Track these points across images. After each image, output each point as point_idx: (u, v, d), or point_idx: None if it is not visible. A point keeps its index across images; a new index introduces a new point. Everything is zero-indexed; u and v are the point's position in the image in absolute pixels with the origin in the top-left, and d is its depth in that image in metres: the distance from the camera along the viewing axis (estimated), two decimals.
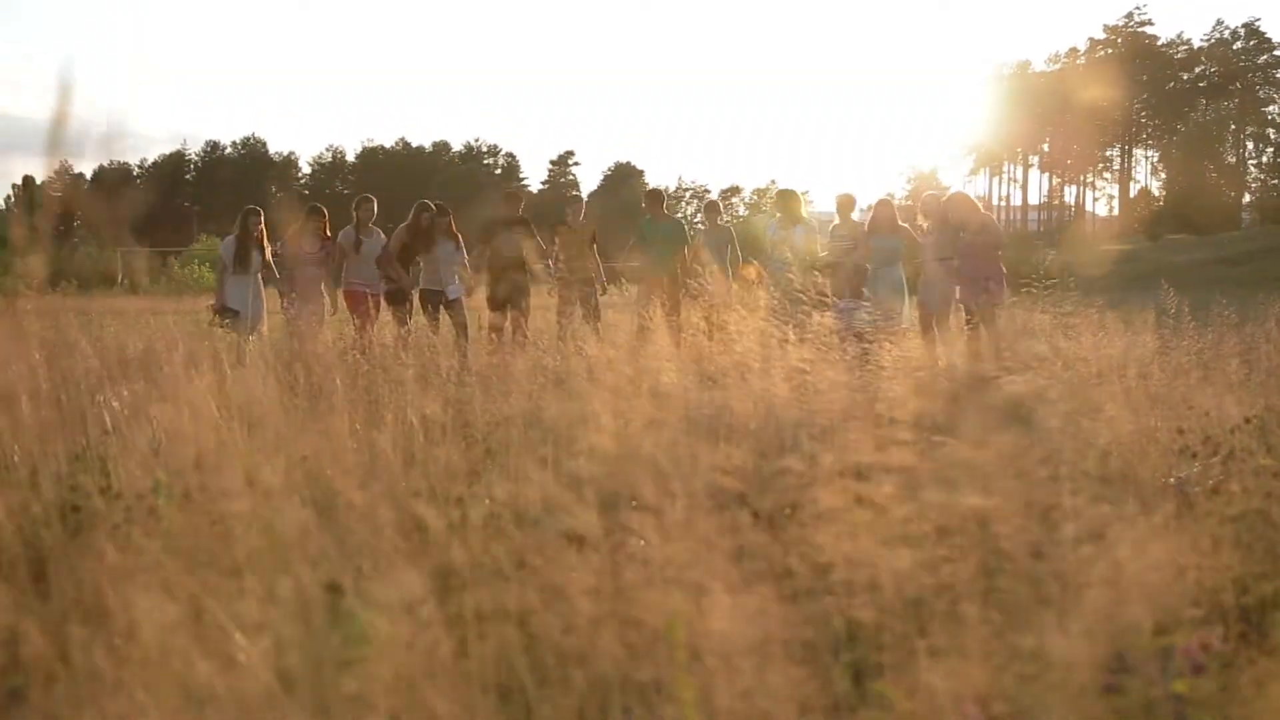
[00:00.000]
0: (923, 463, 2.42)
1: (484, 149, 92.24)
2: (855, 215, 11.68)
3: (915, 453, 2.40)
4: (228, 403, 3.63)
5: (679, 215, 54.87)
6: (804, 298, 6.04)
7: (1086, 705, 2.03)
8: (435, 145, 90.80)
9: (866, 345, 5.81)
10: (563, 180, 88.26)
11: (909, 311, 10.41)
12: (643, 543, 2.33)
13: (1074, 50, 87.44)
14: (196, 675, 1.99)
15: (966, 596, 2.23)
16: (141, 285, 32.47)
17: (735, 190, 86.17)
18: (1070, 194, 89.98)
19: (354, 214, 10.54)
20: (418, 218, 10.58)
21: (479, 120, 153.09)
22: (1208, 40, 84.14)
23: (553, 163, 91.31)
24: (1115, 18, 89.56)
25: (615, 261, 12.74)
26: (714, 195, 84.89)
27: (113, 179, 73.53)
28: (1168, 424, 4.29)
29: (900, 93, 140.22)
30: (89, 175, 72.14)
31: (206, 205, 77.80)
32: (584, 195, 10.60)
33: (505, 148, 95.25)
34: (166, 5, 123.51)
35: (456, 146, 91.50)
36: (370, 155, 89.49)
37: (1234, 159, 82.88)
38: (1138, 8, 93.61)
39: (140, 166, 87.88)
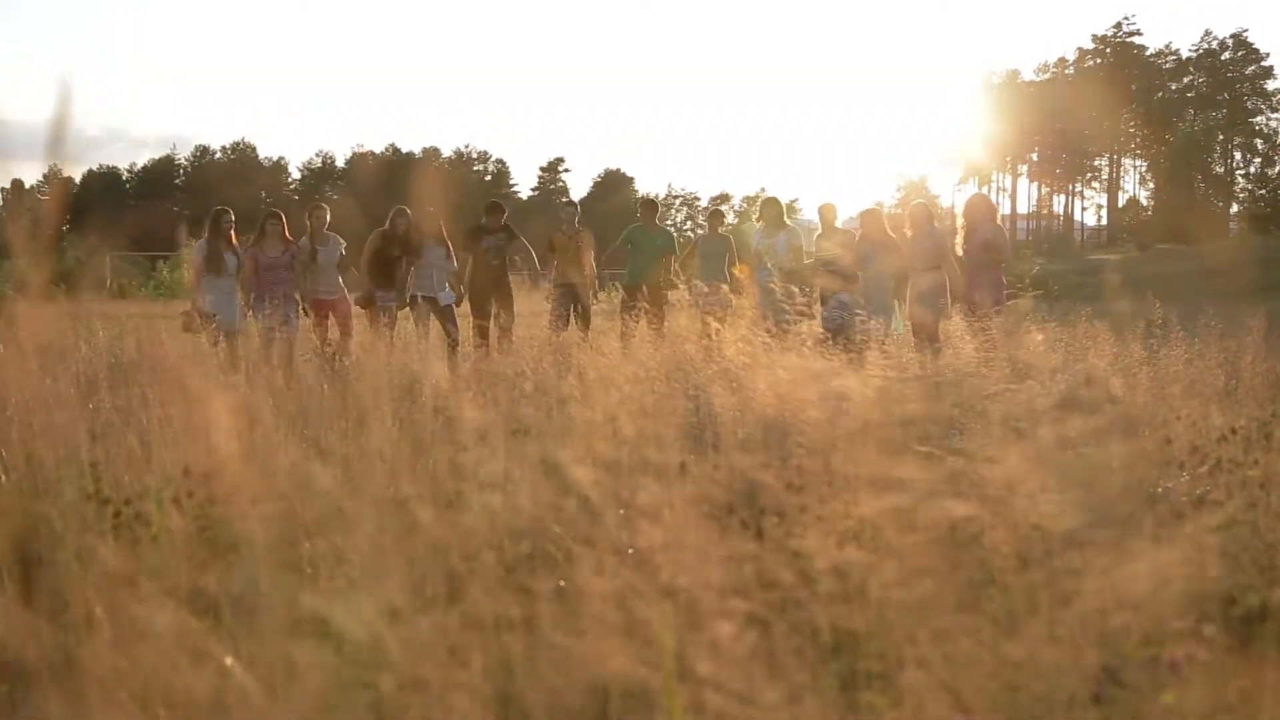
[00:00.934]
0: (914, 473, 2.43)
1: (474, 155, 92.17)
2: (838, 224, 11.70)
3: (906, 463, 2.41)
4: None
5: (669, 223, 54.93)
6: (786, 306, 6.06)
7: (1074, 715, 2.04)
8: (425, 151, 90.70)
9: (853, 352, 5.82)
10: (553, 187, 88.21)
11: (899, 321, 10.42)
12: (631, 551, 2.33)
13: (1063, 60, 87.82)
14: (187, 682, 1.99)
15: (955, 606, 2.23)
16: (130, 290, 32.27)
17: (725, 198, 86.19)
18: (1059, 203, 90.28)
19: (306, 222, 10.44)
20: (393, 223, 10.59)
21: (469, 126, 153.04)
22: (1196, 51, 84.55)
23: (543, 169, 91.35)
24: (1104, 28, 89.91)
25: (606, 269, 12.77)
26: (704, 203, 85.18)
27: (102, 183, 73.24)
28: (1155, 434, 4.30)
29: (890, 101, 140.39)
30: (78, 180, 71.94)
31: (196, 210, 77.54)
32: (575, 201, 10.59)
33: (495, 154, 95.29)
34: (156, 9, 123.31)
35: (446, 152, 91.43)
36: (360, 160, 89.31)
37: (1222, 169, 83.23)
38: (1127, 18, 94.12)
39: (130, 171, 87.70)
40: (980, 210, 10.44)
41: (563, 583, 2.39)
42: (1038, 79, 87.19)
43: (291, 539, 2.37)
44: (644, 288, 10.93)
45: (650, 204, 12.37)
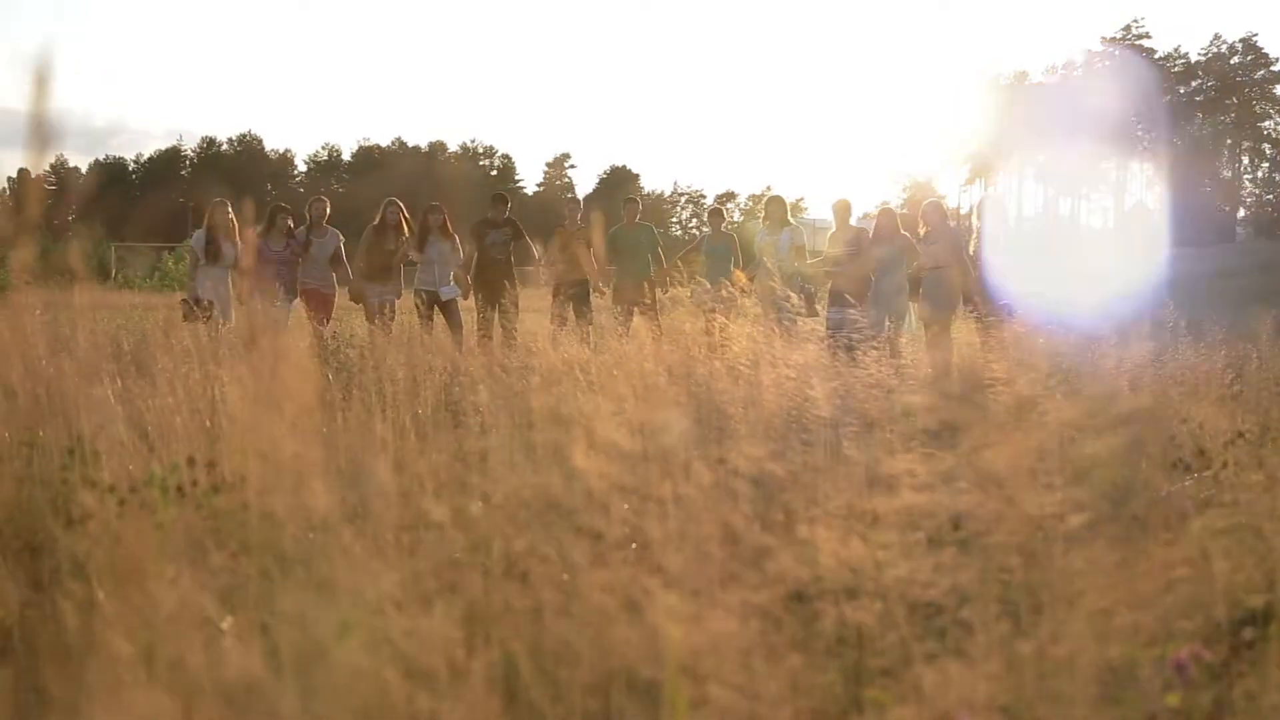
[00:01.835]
0: (917, 467, 2.42)
1: (480, 149, 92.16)
2: (852, 221, 11.66)
3: (907, 458, 2.40)
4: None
5: (673, 220, 54.88)
6: (788, 305, 6.05)
7: (1079, 715, 2.04)
8: (431, 145, 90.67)
9: (855, 355, 5.81)
10: (558, 183, 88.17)
11: (913, 319, 10.39)
12: (635, 545, 2.33)
13: (1071, 63, 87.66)
14: (188, 666, 1.99)
15: (962, 603, 2.23)
16: (135, 280, 32.27)
17: (730, 195, 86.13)
18: (1065, 205, 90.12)
19: (306, 214, 10.57)
20: (384, 215, 10.64)
21: (475, 121, 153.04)
22: (1205, 54, 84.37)
23: (549, 165, 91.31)
24: (1113, 30, 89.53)
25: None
26: (710, 201, 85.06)
27: (109, 174, 73.33)
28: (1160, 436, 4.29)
29: (897, 101, 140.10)
30: (84, 170, 72.05)
31: (201, 202, 77.42)
32: (580, 198, 10.63)
33: (501, 149, 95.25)
34: (164, 1, 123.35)
35: (453, 147, 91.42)
36: (366, 154, 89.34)
37: (1230, 173, 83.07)
38: (1136, 21, 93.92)
39: (136, 162, 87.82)
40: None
41: (566, 576, 2.38)
42: (1046, 80, 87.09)
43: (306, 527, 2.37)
44: (631, 285, 11.02)
45: (631, 202, 12.44)
